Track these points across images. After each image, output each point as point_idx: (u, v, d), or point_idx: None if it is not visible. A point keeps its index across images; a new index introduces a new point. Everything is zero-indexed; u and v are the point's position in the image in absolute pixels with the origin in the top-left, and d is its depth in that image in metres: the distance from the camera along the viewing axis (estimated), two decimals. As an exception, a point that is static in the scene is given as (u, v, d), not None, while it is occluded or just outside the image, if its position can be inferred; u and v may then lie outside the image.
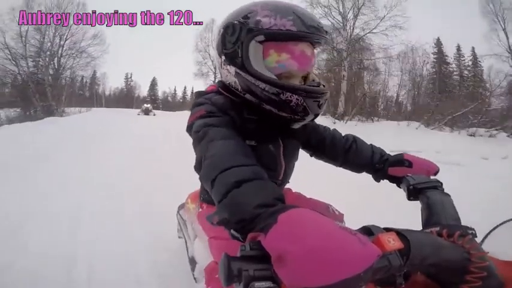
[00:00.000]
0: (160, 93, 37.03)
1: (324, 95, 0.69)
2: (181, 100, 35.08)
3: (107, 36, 14.43)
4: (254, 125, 0.72)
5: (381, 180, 0.88)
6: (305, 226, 0.35)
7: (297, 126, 0.76)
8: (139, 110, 18.00)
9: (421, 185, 0.67)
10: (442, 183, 0.68)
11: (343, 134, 0.99)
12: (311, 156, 1.00)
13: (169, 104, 33.40)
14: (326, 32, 0.67)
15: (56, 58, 13.27)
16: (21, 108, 11.53)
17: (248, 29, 0.64)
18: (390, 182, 0.84)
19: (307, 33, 0.63)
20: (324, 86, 0.73)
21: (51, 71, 12.83)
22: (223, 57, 0.70)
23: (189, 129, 0.69)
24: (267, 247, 0.36)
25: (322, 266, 0.32)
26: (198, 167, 0.60)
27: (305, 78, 0.74)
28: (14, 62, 12.03)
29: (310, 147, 0.96)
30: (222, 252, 0.37)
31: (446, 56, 19.09)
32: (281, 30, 0.62)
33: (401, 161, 0.81)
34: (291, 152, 0.85)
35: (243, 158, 0.55)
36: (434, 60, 18.48)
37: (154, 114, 16.39)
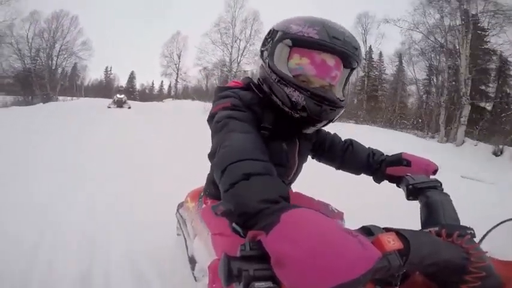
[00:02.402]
0: (138, 86, 39.23)
1: (329, 104, 0.69)
2: (157, 93, 36.90)
3: (92, 41, 19.26)
4: (272, 114, 0.74)
5: (381, 182, 0.88)
6: (306, 228, 0.35)
7: (309, 131, 0.78)
8: (110, 102, 14.61)
9: (420, 184, 0.67)
10: (441, 183, 0.68)
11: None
12: (312, 158, 1.02)
13: (146, 95, 35.03)
14: (355, 48, 0.69)
15: (50, 59, 17.68)
16: (21, 95, 15.08)
17: (279, 33, 0.71)
18: (390, 182, 0.85)
19: (327, 42, 0.66)
20: (341, 101, 0.73)
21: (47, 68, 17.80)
22: (260, 54, 0.78)
23: (211, 119, 0.71)
24: (267, 248, 0.35)
25: (321, 270, 0.31)
26: (211, 156, 0.61)
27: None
28: (22, 61, 16.28)
29: (312, 149, 0.99)
30: (225, 249, 0.37)
31: (373, 61, 21.18)
32: (304, 36, 0.67)
33: (399, 160, 0.81)
34: (304, 152, 0.87)
35: (257, 152, 0.55)
36: (365, 65, 21.01)
37: (129, 107, 13.77)
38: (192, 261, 1.11)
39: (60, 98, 16.81)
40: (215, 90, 0.81)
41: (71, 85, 22.91)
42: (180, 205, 1.37)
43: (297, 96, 0.68)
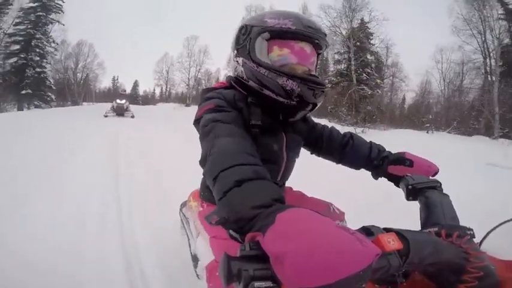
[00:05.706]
0: (141, 92, 42.80)
1: (320, 86, 0.74)
2: (158, 98, 39.35)
3: (105, 60, 26.85)
4: (258, 109, 0.75)
5: (379, 178, 0.88)
6: (303, 226, 0.35)
7: (297, 117, 0.79)
8: (108, 108, 10.92)
9: (420, 185, 0.67)
10: (441, 184, 0.68)
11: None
12: (311, 153, 1.02)
13: (148, 100, 38.40)
14: (324, 34, 0.77)
15: (75, 75, 25.24)
16: (55, 101, 20.47)
17: (256, 28, 0.74)
18: (389, 180, 0.84)
19: (304, 31, 0.73)
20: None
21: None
22: (235, 52, 0.79)
23: (197, 122, 0.72)
24: (265, 247, 0.35)
25: (320, 266, 0.31)
26: (203, 163, 0.61)
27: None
28: (63, 76, 23.49)
29: (310, 145, 0.98)
30: (222, 251, 0.37)
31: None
32: (282, 27, 0.72)
33: (402, 159, 0.80)
34: (293, 146, 0.86)
35: (247, 156, 0.55)
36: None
37: (132, 116, 10.57)
38: (195, 259, 1.12)
39: (85, 103, 24.19)
40: (200, 93, 0.82)
41: (83, 92, 28.53)
42: (183, 204, 1.37)
43: (291, 84, 0.71)
